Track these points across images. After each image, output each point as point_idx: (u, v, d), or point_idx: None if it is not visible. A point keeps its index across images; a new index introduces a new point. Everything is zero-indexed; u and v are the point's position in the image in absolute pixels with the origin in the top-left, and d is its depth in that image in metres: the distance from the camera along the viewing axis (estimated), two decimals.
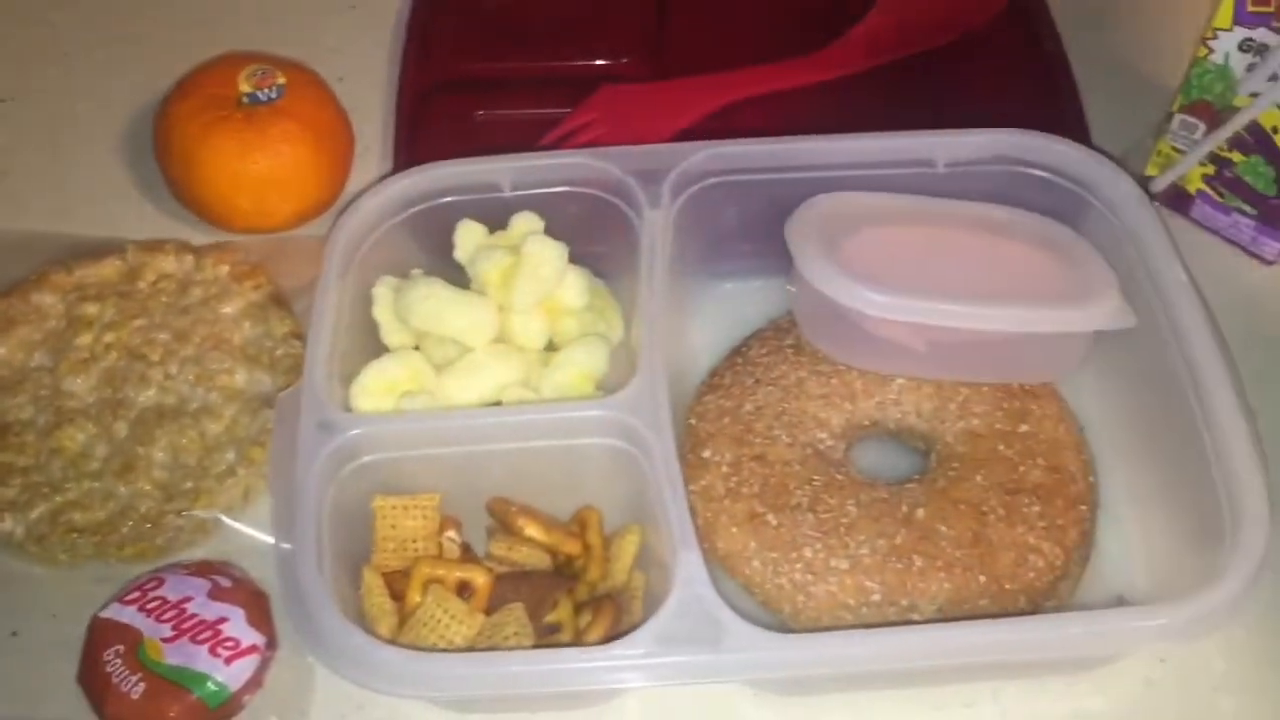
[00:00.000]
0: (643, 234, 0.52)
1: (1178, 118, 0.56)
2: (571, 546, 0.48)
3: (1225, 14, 0.52)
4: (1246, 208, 0.57)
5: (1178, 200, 0.59)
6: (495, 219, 0.55)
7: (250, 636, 0.46)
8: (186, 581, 0.47)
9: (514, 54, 0.66)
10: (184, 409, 0.53)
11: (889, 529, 0.47)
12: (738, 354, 0.53)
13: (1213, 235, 0.59)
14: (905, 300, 0.48)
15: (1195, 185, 0.58)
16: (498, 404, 0.51)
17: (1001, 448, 0.49)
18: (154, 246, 0.58)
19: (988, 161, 0.54)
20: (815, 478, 0.49)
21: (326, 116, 0.59)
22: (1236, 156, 0.55)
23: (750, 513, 0.48)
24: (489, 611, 0.46)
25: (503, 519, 0.48)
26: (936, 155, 0.54)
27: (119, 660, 0.45)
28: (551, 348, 0.54)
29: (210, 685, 0.45)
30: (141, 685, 0.44)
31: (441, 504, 0.48)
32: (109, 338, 0.55)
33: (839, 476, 0.49)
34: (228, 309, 0.56)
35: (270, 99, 0.57)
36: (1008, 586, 0.46)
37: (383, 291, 0.53)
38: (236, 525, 0.51)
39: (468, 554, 0.49)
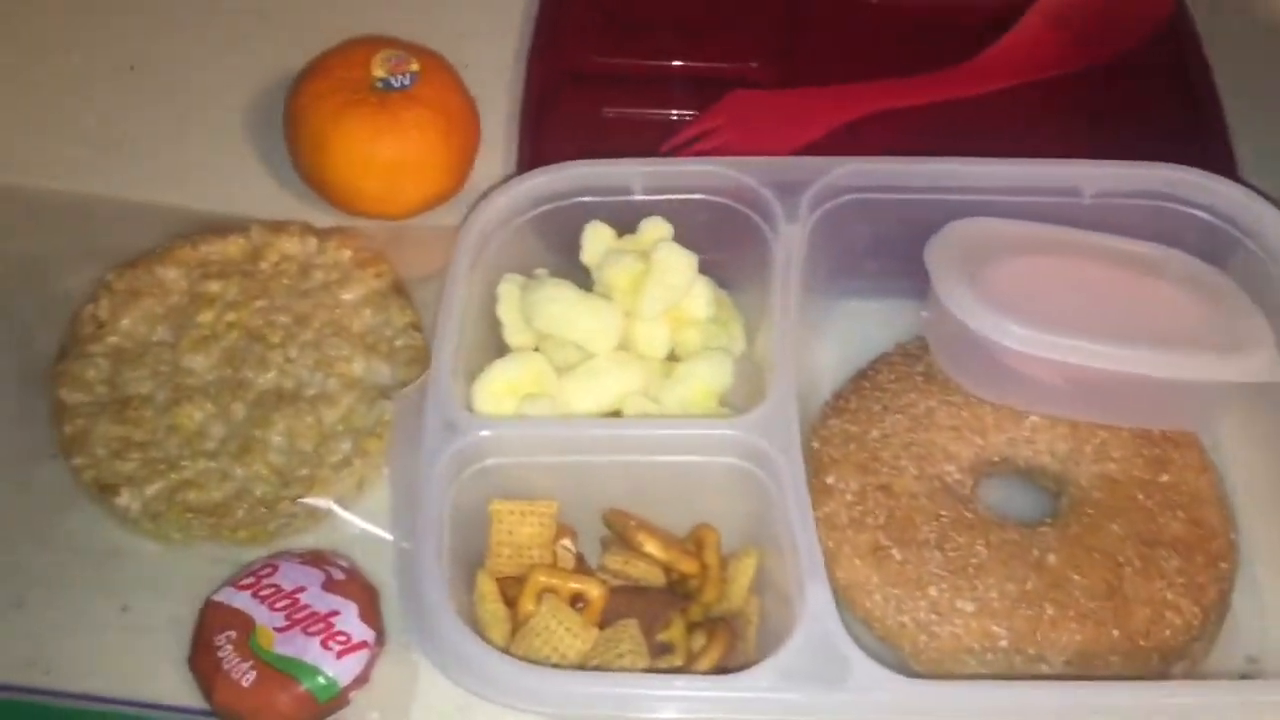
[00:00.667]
0: (777, 249, 0.50)
1: None
2: (688, 565, 0.47)
3: None
4: None
5: None
6: (623, 222, 0.54)
7: (361, 632, 0.45)
8: (301, 571, 0.47)
9: (641, 51, 0.65)
10: (301, 394, 0.53)
11: (1019, 573, 0.45)
12: (864, 378, 0.52)
13: None
14: (1049, 336, 0.46)
15: None
16: (617, 412, 0.50)
17: (1140, 496, 0.47)
18: (278, 227, 0.57)
19: (1137, 195, 0.52)
20: (943, 513, 0.47)
21: (457, 105, 0.58)
22: None
23: (874, 545, 0.47)
24: (602, 625, 0.45)
25: (621, 532, 0.47)
26: (1083, 185, 0.52)
27: (230, 646, 0.45)
28: (672, 357, 0.53)
29: (320, 679, 0.44)
30: (252, 673, 0.44)
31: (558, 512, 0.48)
32: (230, 317, 0.55)
33: (968, 514, 0.47)
34: (348, 295, 0.56)
35: (404, 85, 0.56)
36: (1142, 644, 0.44)
37: (509, 289, 0.52)
38: (348, 516, 0.50)
39: (581, 564, 0.48)
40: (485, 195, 0.52)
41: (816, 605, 0.41)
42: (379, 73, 0.56)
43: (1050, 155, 0.53)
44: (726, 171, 0.52)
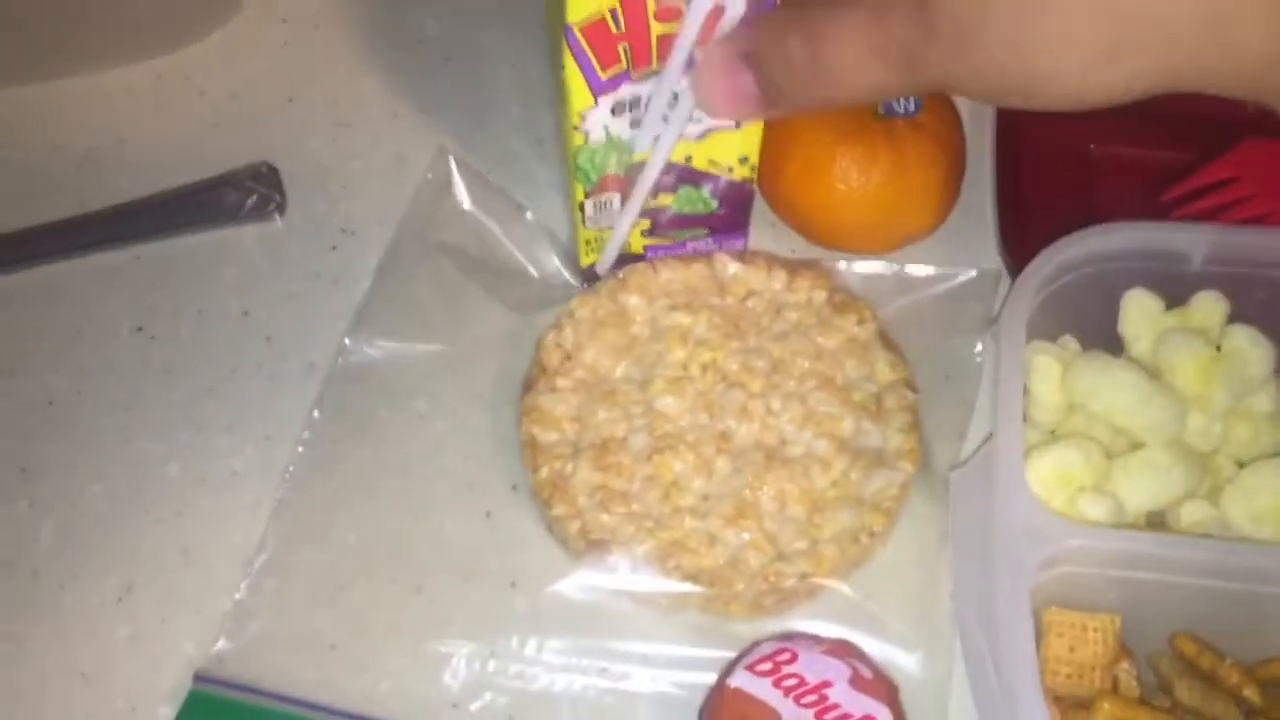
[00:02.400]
0: None
1: (588, 204, 0.49)
2: (1277, 709, 0.41)
3: (582, 95, 0.45)
4: (700, 231, 0.53)
5: (627, 259, 0.53)
6: (1162, 292, 0.47)
7: None
8: (824, 661, 0.42)
9: None
10: (788, 453, 0.48)
11: None
12: None
13: None
14: None
15: (639, 245, 0.53)
16: (1163, 511, 0.44)
17: None
18: (745, 257, 0.53)
19: None
20: None
21: (957, 139, 0.52)
22: (665, 200, 0.50)
23: None
24: None
25: (1208, 668, 0.41)
26: None
27: None
28: (1214, 454, 0.46)
29: None
30: None
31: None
32: (705, 356, 0.50)
33: None
34: (828, 342, 0.51)
35: (909, 112, 0.51)
36: None
37: (1046, 363, 0.46)
38: (848, 594, 0.45)
39: (1143, 692, 0.42)
40: (1041, 254, 0.46)
41: None
42: None
43: None
44: None
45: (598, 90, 0.45)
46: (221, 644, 0.45)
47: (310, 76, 0.61)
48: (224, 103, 0.60)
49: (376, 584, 0.47)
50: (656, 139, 0.48)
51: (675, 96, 0.46)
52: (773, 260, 0.53)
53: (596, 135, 0.47)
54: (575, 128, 0.47)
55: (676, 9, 0.43)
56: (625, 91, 0.46)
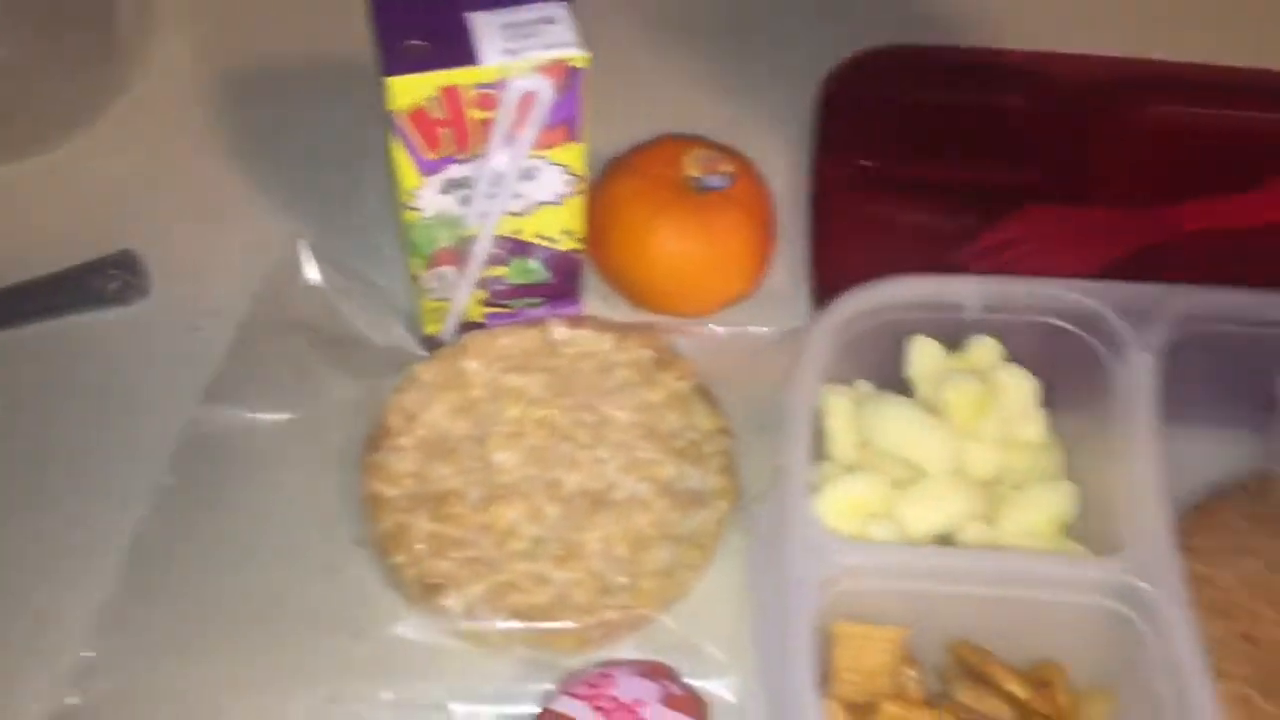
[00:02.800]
0: (1128, 376, 0.49)
1: (426, 276, 0.54)
2: (1045, 706, 0.45)
3: (410, 174, 0.49)
4: (535, 300, 0.57)
5: (468, 327, 0.57)
6: (940, 338, 0.53)
7: None
8: (638, 683, 0.45)
9: (926, 156, 0.64)
10: (612, 497, 0.52)
11: None
12: (1206, 514, 0.50)
13: None
14: None
15: (477, 314, 0.57)
16: (949, 535, 0.49)
17: None
18: (576, 321, 0.57)
19: None
20: None
21: (765, 208, 0.58)
22: (500, 270, 0.55)
23: (1240, 696, 0.44)
24: None
25: (979, 668, 0.45)
26: None
27: None
28: (993, 480, 0.51)
29: None
30: None
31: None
32: (537, 414, 0.54)
33: None
34: (652, 396, 0.55)
35: (720, 186, 0.56)
36: None
37: (839, 403, 0.51)
38: (675, 626, 0.49)
39: (927, 695, 0.46)
40: (828, 307, 0.51)
41: None
42: (692, 172, 0.56)
43: None
44: (1074, 295, 0.50)
45: (425, 171, 0.50)
46: (71, 700, 0.47)
47: (176, 168, 0.65)
48: (90, 194, 0.64)
49: (224, 639, 0.49)
50: (484, 215, 0.52)
51: (499, 176, 0.51)
52: (603, 324, 0.57)
53: (428, 212, 0.52)
54: (407, 206, 0.51)
55: (491, 96, 0.48)
56: (453, 171, 0.50)
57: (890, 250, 0.61)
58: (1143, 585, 0.43)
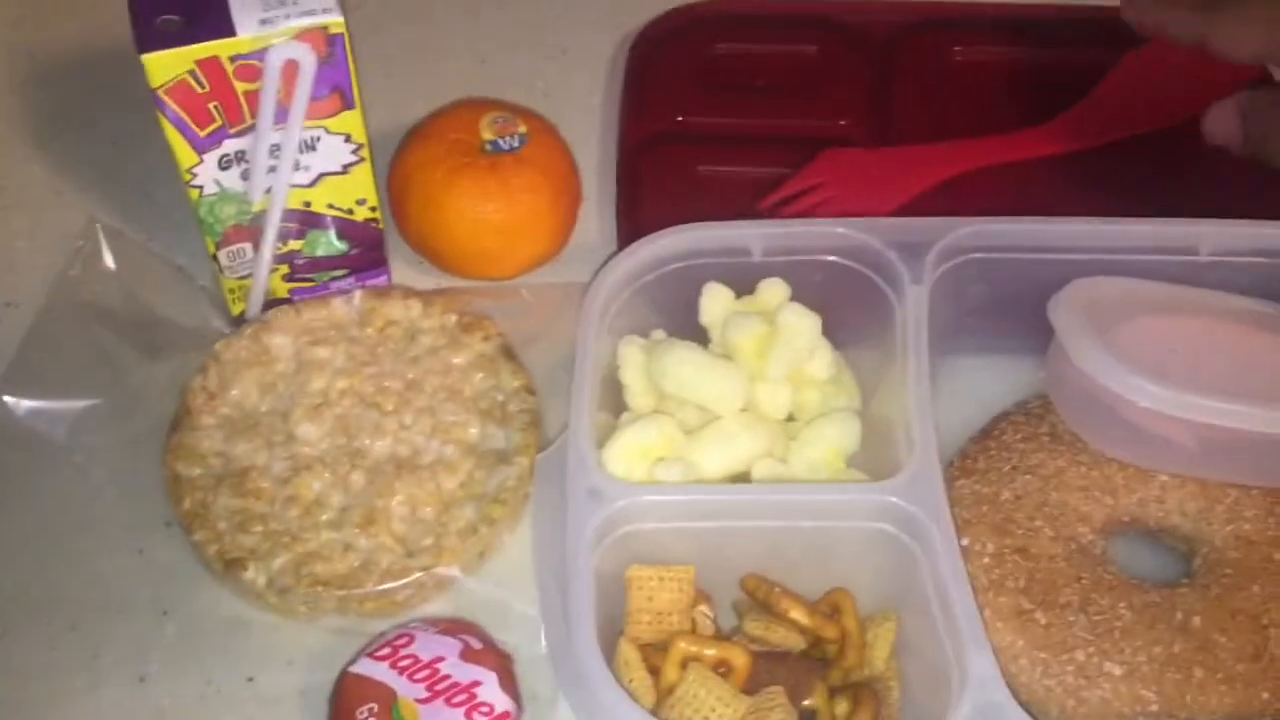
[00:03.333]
0: (903, 309, 0.50)
1: (221, 255, 0.54)
2: (830, 631, 0.46)
3: (185, 153, 0.49)
4: (339, 273, 0.57)
5: (274, 304, 0.57)
6: (737, 283, 0.54)
7: (503, 702, 0.45)
8: (438, 640, 0.46)
9: (732, 110, 0.66)
10: (419, 461, 0.52)
11: (1164, 636, 0.45)
12: (989, 438, 0.52)
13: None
14: (1183, 395, 0.46)
15: (283, 290, 0.57)
16: (744, 474, 0.50)
17: (1277, 556, 0.47)
18: (381, 292, 0.57)
19: (1255, 253, 0.52)
20: (1083, 576, 0.47)
21: (563, 167, 0.58)
22: (296, 244, 0.55)
23: (1017, 608, 0.46)
24: (746, 693, 0.45)
25: (764, 598, 0.46)
26: (1201, 244, 0.52)
27: (372, 718, 0.44)
28: (790, 418, 0.52)
29: None
30: None
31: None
32: (341, 383, 0.54)
33: (1107, 575, 0.47)
34: (457, 360, 0.55)
35: (513, 148, 0.56)
36: None
37: (632, 353, 0.52)
38: (477, 584, 0.50)
39: (719, 631, 0.48)
40: (610, 259, 0.52)
41: (981, 674, 0.41)
42: (487, 135, 0.57)
43: (1144, 214, 0.54)
44: (848, 232, 0.52)
45: (200, 148, 0.50)
46: None
47: None
48: None
49: (30, 627, 0.49)
50: (270, 189, 0.52)
51: (276, 147, 0.51)
52: (408, 292, 0.57)
53: (210, 189, 0.51)
54: (189, 183, 0.51)
55: (254, 67, 0.48)
56: (229, 145, 0.50)
57: (699, 205, 0.62)
58: (912, 509, 0.45)
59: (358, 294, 0.57)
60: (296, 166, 0.52)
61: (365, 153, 0.52)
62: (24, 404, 0.54)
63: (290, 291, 0.57)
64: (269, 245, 0.54)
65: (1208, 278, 0.53)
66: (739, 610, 0.49)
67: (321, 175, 0.53)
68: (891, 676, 0.47)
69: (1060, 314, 0.50)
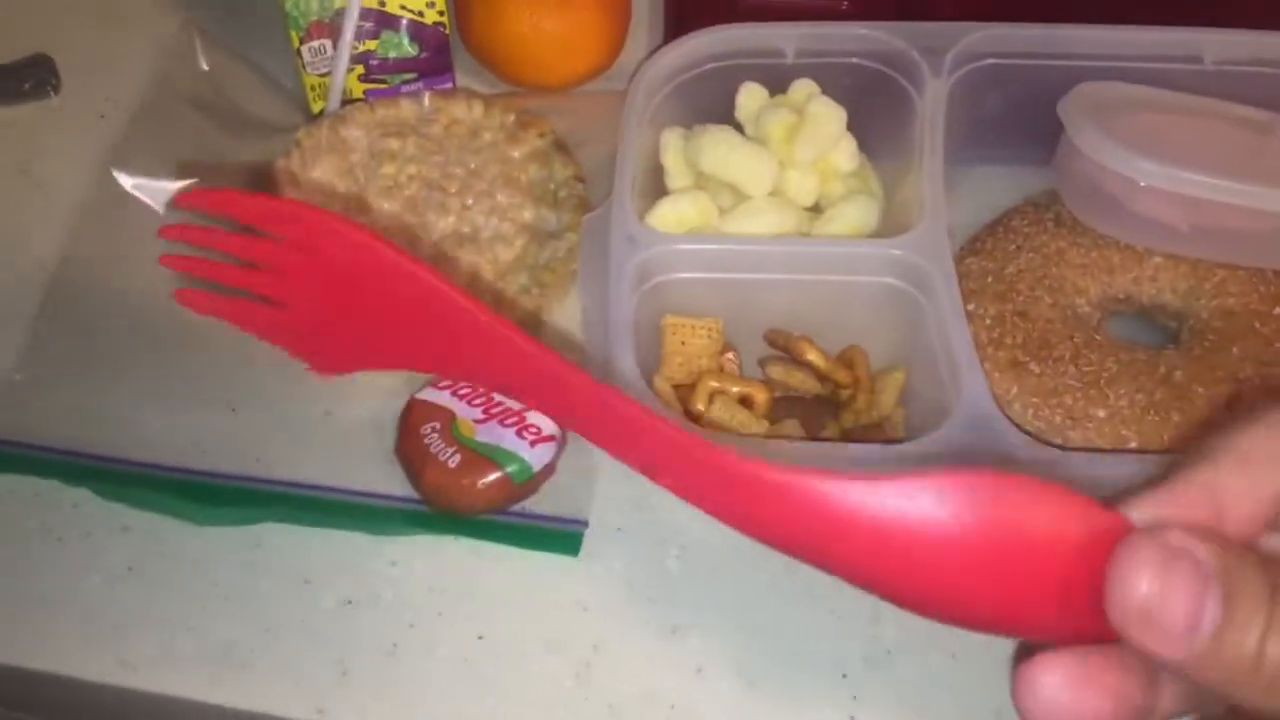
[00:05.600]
0: (922, 102, 0.55)
1: (304, 50, 0.59)
2: (843, 376, 0.51)
3: None
4: (409, 75, 0.62)
5: (351, 104, 0.61)
6: (771, 86, 0.59)
7: (550, 426, 0.50)
8: None
9: None
10: (479, 237, 0.58)
11: (1147, 386, 0.50)
12: (998, 224, 0.57)
13: None
14: (1177, 171, 0.51)
15: (359, 90, 0.62)
16: None
17: (1257, 325, 0.52)
18: (447, 94, 0.63)
19: (1257, 63, 0.56)
20: (1075, 336, 0.52)
21: None
22: (371, 44, 0.60)
23: (1013, 360, 0.51)
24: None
25: (785, 344, 0.52)
26: (1206, 52, 0.56)
27: (436, 434, 0.50)
28: (816, 209, 0.57)
29: (516, 465, 0.49)
30: (457, 457, 0.49)
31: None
32: (411, 169, 0.60)
33: (1098, 337, 0.52)
34: (515, 153, 0.61)
35: None
36: None
37: (672, 139, 0.57)
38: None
39: (743, 375, 0.53)
40: (651, 55, 0.57)
41: (974, 391, 0.46)
42: None
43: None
44: (873, 34, 0.56)
45: None
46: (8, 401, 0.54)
47: None
48: (4, 3, 0.69)
49: (139, 363, 0.56)
50: None
51: None
52: (471, 94, 0.63)
53: None
54: None
55: None
56: None
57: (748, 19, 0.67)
58: (919, 260, 0.50)
59: (426, 95, 0.62)
60: None
61: None
62: (131, 180, 0.60)
63: (365, 92, 0.63)
64: (347, 42, 0.60)
65: (1212, 87, 0.57)
66: (762, 365, 0.54)
67: None
68: (898, 420, 0.52)
69: (1068, 108, 0.54)
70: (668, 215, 0.54)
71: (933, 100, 0.55)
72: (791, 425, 0.50)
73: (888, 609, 0.48)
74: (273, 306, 0.40)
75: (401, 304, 0.38)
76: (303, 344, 0.42)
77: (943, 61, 0.55)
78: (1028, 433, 0.46)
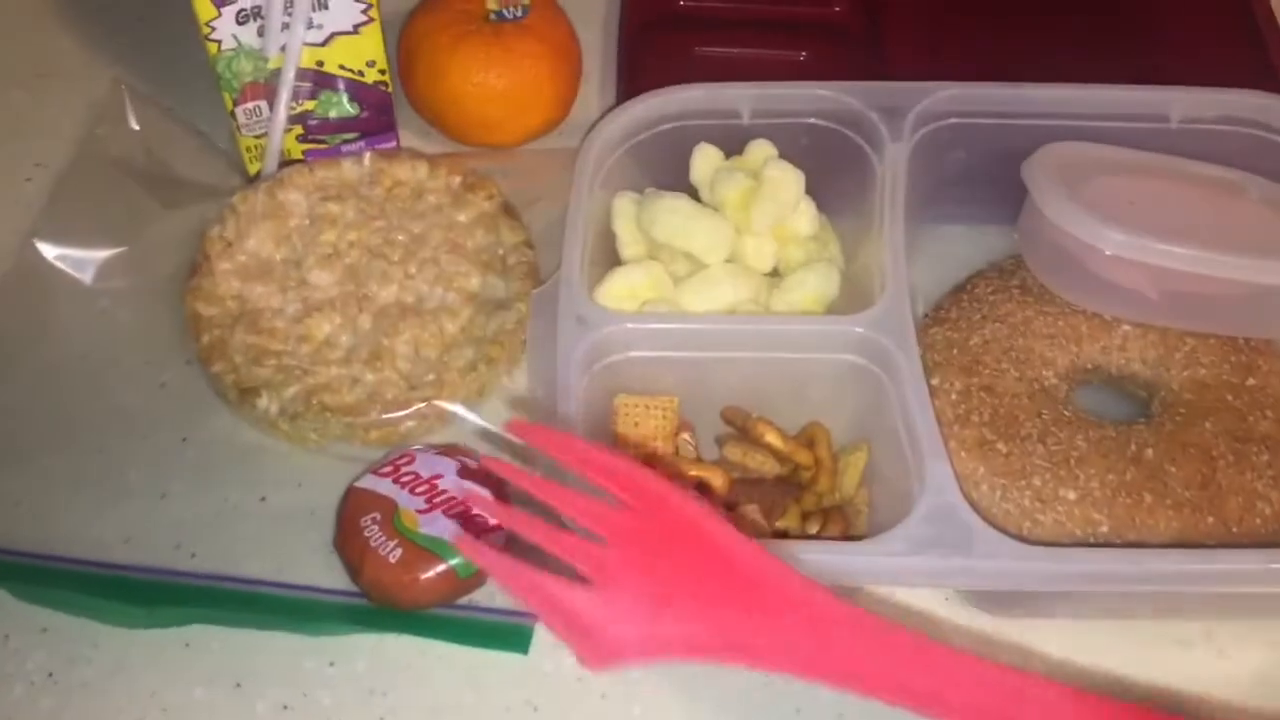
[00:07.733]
0: (882, 165, 0.53)
1: (238, 112, 0.57)
2: (804, 456, 0.49)
3: (205, 7, 0.52)
4: (349, 135, 0.60)
5: (290, 164, 0.59)
6: (727, 146, 0.56)
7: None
8: (437, 460, 0.50)
9: None
10: (423, 307, 0.55)
11: (1118, 465, 0.48)
12: (962, 291, 0.55)
13: None
14: (1145, 241, 0.49)
15: (297, 151, 0.60)
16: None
17: (1229, 398, 0.50)
18: (390, 154, 0.60)
19: (1224, 121, 0.55)
20: (1044, 412, 0.50)
21: (563, 38, 0.61)
22: (309, 104, 0.58)
23: (980, 439, 0.49)
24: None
25: (742, 425, 0.49)
26: (1173, 111, 0.55)
27: (376, 526, 0.48)
28: (775, 274, 0.55)
29: (461, 558, 0.47)
30: (398, 550, 0.47)
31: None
32: (351, 235, 0.57)
33: (1066, 413, 0.50)
34: (461, 217, 0.58)
35: (516, 17, 0.59)
36: (1234, 530, 0.47)
37: (624, 205, 0.55)
38: (474, 416, 0.53)
39: (700, 458, 0.51)
40: (603, 117, 0.55)
41: (939, 480, 0.44)
42: (492, 4, 0.59)
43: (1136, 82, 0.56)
44: (833, 95, 0.54)
45: (219, 1, 0.53)
46: None
47: (10, 34, 0.67)
48: None
49: (62, 449, 0.53)
50: (284, 46, 0.55)
51: (290, 2, 0.54)
52: (415, 154, 0.60)
53: (228, 44, 0.54)
54: (207, 37, 0.54)
55: None
56: (246, 0, 0.53)
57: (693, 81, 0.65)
58: (880, 339, 0.48)
59: (368, 155, 0.60)
60: (310, 24, 0.55)
61: (375, 13, 0.55)
62: (54, 250, 0.57)
63: (304, 153, 0.60)
64: (284, 103, 0.57)
65: (1180, 146, 0.55)
66: (720, 443, 0.52)
67: (333, 34, 0.55)
68: (861, 502, 0.50)
69: (1032, 170, 0.52)
70: (620, 287, 0.52)
71: (892, 165, 0.53)
72: (751, 513, 0.48)
73: (851, 708, 0.47)
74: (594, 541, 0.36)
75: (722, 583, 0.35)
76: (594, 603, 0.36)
77: (904, 122, 0.54)
78: (992, 523, 0.44)
